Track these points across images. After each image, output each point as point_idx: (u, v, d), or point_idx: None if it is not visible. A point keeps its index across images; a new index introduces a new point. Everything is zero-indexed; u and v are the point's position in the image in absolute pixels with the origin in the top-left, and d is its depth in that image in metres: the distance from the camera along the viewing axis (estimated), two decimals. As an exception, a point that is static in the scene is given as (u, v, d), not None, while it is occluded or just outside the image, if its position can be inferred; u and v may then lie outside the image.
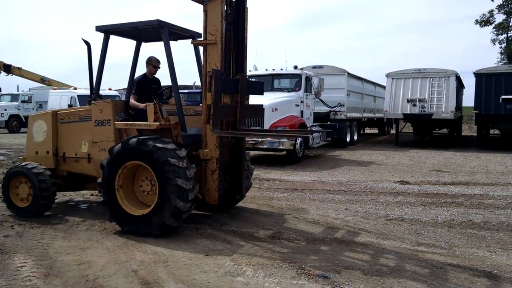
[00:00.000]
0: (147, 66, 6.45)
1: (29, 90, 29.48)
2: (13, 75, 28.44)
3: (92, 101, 6.29)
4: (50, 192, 6.26)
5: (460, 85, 20.11)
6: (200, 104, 6.24)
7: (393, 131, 22.50)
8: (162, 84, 6.76)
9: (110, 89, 18.23)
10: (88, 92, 17.08)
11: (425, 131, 20.55)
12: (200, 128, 5.73)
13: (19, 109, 26.46)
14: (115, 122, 5.90)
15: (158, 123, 5.47)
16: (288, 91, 13.22)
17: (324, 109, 16.62)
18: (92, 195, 7.80)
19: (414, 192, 8.27)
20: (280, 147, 11.70)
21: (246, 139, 6.88)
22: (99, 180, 5.56)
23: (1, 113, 25.83)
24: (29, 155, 6.94)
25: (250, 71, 14.12)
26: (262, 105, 6.86)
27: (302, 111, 13.02)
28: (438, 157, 14.05)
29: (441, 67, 16.93)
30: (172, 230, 5.37)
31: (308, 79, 13.51)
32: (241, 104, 5.86)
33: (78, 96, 15.87)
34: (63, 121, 6.66)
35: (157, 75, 6.64)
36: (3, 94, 27.73)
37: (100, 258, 4.59)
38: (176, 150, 5.19)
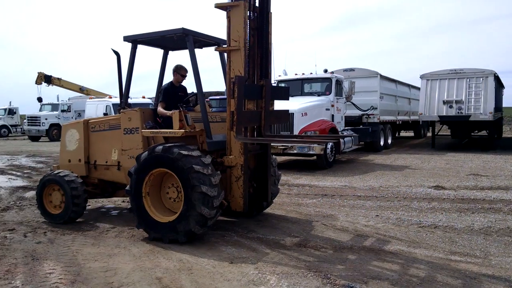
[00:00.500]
0: (174, 74, 6.51)
1: (68, 99, 30.53)
2: (54, 86, 29.67)
3: (121, 110, 6.40)
4: (82, 199, 6.40)
5: (499, 85, 19.31)
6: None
7: (429, 134, 21.83)
8: (189, 91, 6.81)
9: (143, 97, 18.60)
10: (122, 101, 17.28)
11: (463, 134, 19.82)
12: (225, 134, 5.72)
13: (59, 118, 27.45)
14: (142, 130, 5.98)
15: (183, 130, 5.51)
16: (318, 95, 13.06)
17: (357, 112, 16.34)
18: (123, 201, 7.93)
19: (449, 197, 7.95)
20: (310, 152, 11.55)
21: (275, 144, 6.83)
22: (127, 187, 5.65)
23: (42, 122, 26.88)
24: (62, 163, 7.12)
25: (279, 76, 14.09)
26: (287, 110, 6.78)
27: (332, 115, 12.83)
28: (477, 160, 13.49)
29: (478, 67, 16.29)
30: (197, 237, 5.38)
31: (339, 82, 13.31)
32: (266, 110, 5.82)
33: (113, 104, 16.29)
34: (94, 130, 6.82)
35: (183, 83, 6.69)
36: (44, 104, 28.86)
37: (126, 265, 4.63)
38: (201, 157, 5.20)
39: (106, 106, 16.35)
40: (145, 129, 6.00)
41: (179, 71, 6.48)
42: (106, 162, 6.65)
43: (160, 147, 5.35)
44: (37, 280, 4.25)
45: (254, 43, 5.76)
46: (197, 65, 5.90)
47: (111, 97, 18.70)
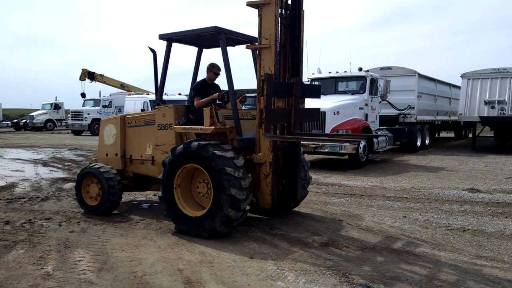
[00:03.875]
0: (207, 72, 6.61)
1: (110, 95, 31.55)
2: (96, 82, 30.76)
3: (156, 106, 6.57)
4: (117, 193, 6.60)
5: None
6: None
7: (471, 135, 21.10)
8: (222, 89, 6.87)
9: (180, 94, 19.01)
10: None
11: (507, 136, 19.04)
12: (256, 132, 5.75)
13: (100, 113, 28.47)
14: (174, 126, 6.14)
15: (214, 127, 5.60)
16: (352, 94, 12.92)
17: (393, 111, 16.02)
18: (154, 195, 8.17)
19: (484, 201, 7.70)
20: (342, 151, 11.46)
21: (305, 142, 6.82)
22: (160, 176, 5.77)
23: (85, 117, 27.96)
24: (100, 157, 7.39)
25: (313, 74, 14.03)
26: (318, 109, 6.77)
27: (366, 114, 12.67)
28: (518, 163, 12.96)
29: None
30: (222, 235, 5.45)
31: (374, 81, 13.12)
32: (296, 108, 5.83)
33: (150, 100, 16.75)
34: (130, 125, 7.03)
35: (216, 81, 6.78)
36: (87, 100, 29.99)
37: (151, 255, 4.81)
38: (234, 159, 5.24)
39: (144, 102, 16.85)
40: (177, 125, 6.14)
41: (212, 69, 6.57)
42: (141, 156, 6.84)
43: (196, 143, 5.42)
44: (67, 266, 4.48)
45: (285, 41, 5.76)
46: (229, 62, 5.97)
47: (148, 94, 19.24)
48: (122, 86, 31.31)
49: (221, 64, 6.31)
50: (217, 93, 6.34)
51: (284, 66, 5.82)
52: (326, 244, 5.23)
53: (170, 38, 6.50)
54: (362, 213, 6.83)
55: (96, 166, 6.79)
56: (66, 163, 13.32)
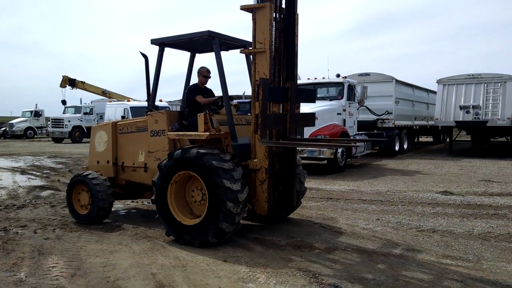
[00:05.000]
0: (198, 76, 6.57)
1: (91, 102, 31.33)
2: (78, 89, 30.52)
3: (148, 112, 6.47)
4: (107, 201, 6.46)
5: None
6: (249, 114, 6.31)
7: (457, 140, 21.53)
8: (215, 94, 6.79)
9: (160, 100, 19.01)
10: (139, 104, 18.06)
11: (482, 140, 19.55)
12: (250, 137, 5.65)
13: (81, 120, 28.26)
14: (168, 132, 6.06)
15: (208, 133, 5.50)
16: (330, 100, 13.13)
17: (372, 117, 16.32)
18: (132, 202, 8.19)
19: (455, 203, 7.92)
20: (321, 156, 11.63)
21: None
22: (154, 179, 5.66)
23: (65, 124, 27.69)
24: (91, 164, 7.23)
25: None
26: (313, 114, 6.67)
27: (344, 120, 12.89)
28: (492, 166, 13.30)
29: (496, 72, 16.06)
30: (212, 246, 5.45)
31: (351, 87, 13.36)
32: (291, 113, 5.73)
33: (131, 107, 16.73)
34: (122, 132, 6.91)
35: (209, 86, 6.74)
36: (68, 107, 29.73)
37: (125, 261, 4.85)
38: (232, 171, 5.14)
39: (124, 109, 16.79)
40: (171, 131, 6.08)
41: (202, 73, 6.53)
42: (133, 163, 6.73)
43: (195, 151, 5.29)
44: (40, 273, 4.50)
45: (280, 45, 5.71)
46: (222, 67, 5.91)
47: (129, 100, 19.19)
48: (104, 93, 31.12)
49: (213, 69, 6.28)
50: (218, 96, 6.32)
51: (279, 71, 5.76)
52: (299, 246, 5.34)
53: (162, 43, 6.42)
54: (336, 216, 6.97)
55: (86, 174, 6.65)
56: (44, 171, 13.20)
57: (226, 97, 5.95)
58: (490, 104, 15.65)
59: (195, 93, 6.34)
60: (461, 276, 4.33)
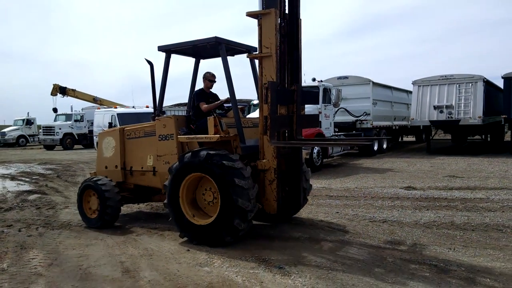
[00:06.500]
0: (203, 81, 6.74)
1: (82, 110, 31.79)
2: (68, 97, 30.98)
3: (156, 117, 6.62)
4: (115, 205, 6.61)
5: (497, 90, 19.63)
6: (248, 115, 6.57)
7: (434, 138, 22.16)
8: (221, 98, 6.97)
9: (147, 106, 19.55)
10: (126, 110, 18.60)
11: (462, 138, 20.23)
12: (257, 139, 5.84)
13: (72, 127, 28.71)
14: (178, 136, 6.24)
15: (218, 135, 5.70)
16: (307, 103, 13.70)
17: (350, 118, 16.97)
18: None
19: (414, 197, 8.52)
20: (296, 157, 12.17)
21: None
22: (166, 182, 5.83)
23: (56, 132, 28.14)
24: (99, 170, 7.46)
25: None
26: (317, 115, 7.10)
27: (320, 122, 13.46)
28: (462, 163, 13.95)
29: (468, 73, 16.75)
30: (167, 228, 6.05)
31: (326, 90, 13.96)
32: (297, 114, 5.98)
33: (118, 114, 17.22)
34: (130, 137, 7.09)
35: (215, 90, 6.94)
36: (59, 114, 30.16)
37: (98, 252, 5.41)
38: (242, 170, 5.31)
39: (112, 116, 17.30)
40: (180, 135, 6.30)
41: (208, 77, 6.70)
42: (142, 168, 6.90)
43: (204, 152, 5.46)
44: (21, 263, 5.04)
45: (284, 49, 5.91)
46: (229, 72, 6.08)
47: (116, 107, 19.71)
48: (95, 100, 31.55)
49: (218, 73, 6.57)
50: (225, 98, 6.53)
51: (284, 74, 5.95)
52: (258, 238, 5.90)
53: (169, 50, 6.59)
54: (300, 210, 7.53)
55: (95, 179, 6.83)
56: (34, 177, 13.68)
57: (234, 100, 6.11)
58: (462, 104, 16.33)
59: (200, 99, 6.52)
60: (392, 257, 4.92)
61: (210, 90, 6.82)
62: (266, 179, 5.69)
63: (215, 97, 6.82)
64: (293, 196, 6.27)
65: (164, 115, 6.74)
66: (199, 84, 6.96)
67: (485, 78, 16.46)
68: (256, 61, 5.98)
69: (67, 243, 5.87)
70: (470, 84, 16.27)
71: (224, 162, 5.28)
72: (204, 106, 6.41)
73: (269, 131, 5.40)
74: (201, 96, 6.57)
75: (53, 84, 30.24)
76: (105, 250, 5.51)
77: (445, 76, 16.86)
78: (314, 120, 7.03)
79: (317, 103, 7.25)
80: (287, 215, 6.65)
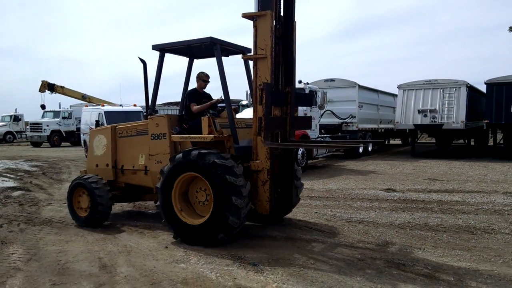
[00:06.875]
0: (197, 80, 6.74)
1: (70, 107, 31.65)
2: (57, 93, 30.85)
3: (149, 116, 6.59)
4: (106, 204, 6.59)
5: (480, 95, 19.98)
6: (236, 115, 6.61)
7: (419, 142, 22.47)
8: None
9: (135, 105, 19.59)
10: (113, 108, 18.54)
11: (445, 142, 20.58)
12: (250, 140, 5.87)
13: (60, 124, 28.56)
14: (172, 135, 6.23)
15: (213, 135, 5.72)
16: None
17: (336, 120, 17.18)
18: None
19: (393, 199, 8.72)
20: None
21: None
22: (158, 184, 5.85)
23: (44, 129, 27.98)
24: (89, 168, 7.40)
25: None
26: (310, 117, 7.23)
27: (305, 123, 13.62)
28: (444, 167, 14.22)
29: (452, 78, 17.09)
30: (147, 226, 6.19)
31: (312, 92, 14.14)
32: (291, 116, 6.00)
33: (105, 112, 17.24)
34: (122, 135, 7.06)
35: (209, 90, 6.94)
36: (47, 111, 29.99)
37: (77, 248, 5.50)
38: (234, 168, 5.35)
39: (99, 113, 17.31)
40: (174, 134, 6.27)
41: (202, 77, 6.72)
42: (133, 166, 6.89)
43: (196, 152, 5.47)
44: (0, 258, 5.12)
45: (279, 51, 5.95)
46: (224, 72, 6.09)
47: (103, 105, 19.71)
48: (84, 97, 31.46)
49: (212, 73, 6.58)
50: (216, 99, 6.58)
51: (278, 76, 5.99)
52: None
53: (163, 49, 6.58)
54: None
55: (86, 177, 6.79)
56: (19, 174, 13.66)
57: (228, 101, 6.12)
58: (446, 108, 16.64)
59: (192, 99, 6.52)
60: (363, 256, 5.09)
61: (204, 90, 6.84)
62: (259, 180, 5.72)
63: (208, 97, 6.83)
64: (285, 197, 6.33)
65: (157, 114, 6.76)
66: (192, 84, 7.01)
67: (468, 83, 16.78)
68: (251, 62, 6.03)
69: (48, 239, 5.95)
70: (454, 89, 16.59)
71: (215, 160, 5.32)
72: (195, 107, 6.42)
73: (263, 132, 5.43)
74: (194, 96, 6.57)
75: (42, 81, 30.12)
76: (84, 246, 5.60)
77: (430, 81, 17.16)
78: (307, 122, 7.15)
79: (310, 105, 7.32)
80: (279, 216, 6.71)
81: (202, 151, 5.47)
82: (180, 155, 5.63)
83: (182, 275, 4.51)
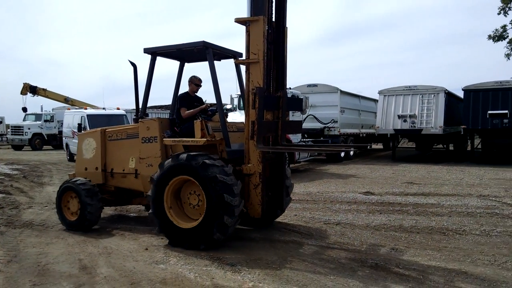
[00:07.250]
0: (189, 84, 6.74)
1: (52, 110, 31.35)
2: (39, 96, 30.52)
3: (139, 119, 6.56)
4: (96, 207, 6.57)
5: (458, 101, 20.47)
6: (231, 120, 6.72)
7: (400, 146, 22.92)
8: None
9: (118, 108, 19.56)
10: (96, 112, 18.48)
11: (425, 146, 21.00)
12: (242, 143, 5.95)
13: (41, 128, 28.28)
14: (164, 139, 6.20)
15: (205, 139, 5.76)
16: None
17: (319, 125, 17.42)
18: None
19: (371, 201, 8.94)
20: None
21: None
22: (149, 192, 5.86)
23: (25, 132, 27.68)
24: (78, 171, 7.31)
25: (238, 93, 15.11)
26: (300, 121, 7.34)
27: (287, 128, 13.81)
28: (423, 171, 14.55)
29: (431, 84, 17.51)
30: (127, 228, 6.28)
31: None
32: (282, 120, 6.11)
33: (88, 115, 17.17)
34: (111, 139, 7.00)
35: (200, 93, 6.96)
36: (28, 114, 29.67)
37: (58, 250, 5.56)
38: (223, 167, 5.43)
39: (81, 117, 17.23)
40: (165, 137, 6.25)
41: (195, 81, 6.72)
42: (123, 170, 6.82)
43: (184, 155, 5.53)
44: (-20, 260, 5.16)
45: (271, 56, 6.01)
46: (216, 76, 6.13)
47: (86, 108, 19.62)
48: (66, 100, 31.16)
49: (203, 77, 6.64)
50: (205, 104, 6.59)
51: (270, 80, 6.05)
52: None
53: (155, 52, 6.58)
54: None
55: (75, 180, 6.74)
56: (-1, 177, 13.56)
57: (220, 104, 6.17)
58: (425, 114, 17.04)
59: (183, 103, 6.53)
60: (338, 256, 5.26)
61: (195, 93, 6.88)
62: (251, 183, 5.77)
63: (199, 100, 6.85)
64: (276, 200, 6.41)
65: (148, 117, 6.78)
66: (183, 87, 7.04)
67: (446, 89, 17.22)
68: (243, 67, 6.11)
69: (28, 242, 5.99)
70: (433, 95, 17.00)
71: (205, 161, 5.38)
72: (186, 112, 6.44)
73: (256, 136, 5.50)
74: (185, 100, 6.58)
75: (23, 83, 29.75)
76: (65, 248, 5.66)
77: (409, 87, 17.55)
78: (297, 126, 7.30)
79: (301, 110, 7.45)
80: (270, 219, 6.78)
81: (191, 153, 5.55)
82: (169, 160, 5.68)
83: (161, 275, 4.62)
